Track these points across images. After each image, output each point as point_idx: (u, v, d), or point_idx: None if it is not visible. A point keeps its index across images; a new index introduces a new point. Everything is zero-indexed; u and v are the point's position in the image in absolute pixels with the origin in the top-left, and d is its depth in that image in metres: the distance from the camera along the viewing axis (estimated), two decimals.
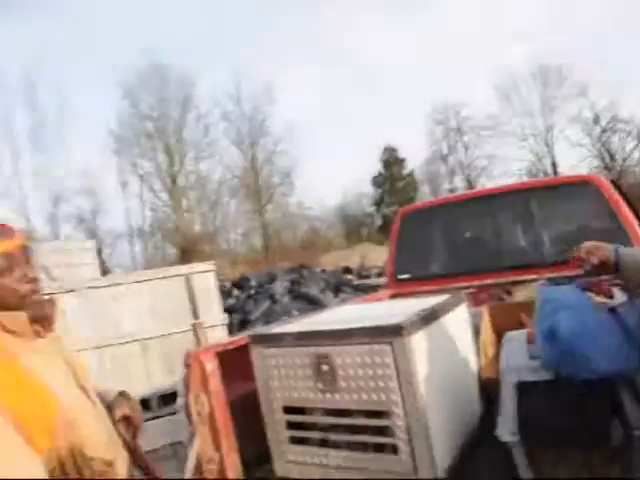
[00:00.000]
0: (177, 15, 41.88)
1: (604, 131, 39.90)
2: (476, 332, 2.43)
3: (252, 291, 11.86)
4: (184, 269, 4.07)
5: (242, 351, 2.21)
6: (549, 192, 3.28)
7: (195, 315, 3.90)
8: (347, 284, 12.17)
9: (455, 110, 42.85)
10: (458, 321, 2.24)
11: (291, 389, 2.02)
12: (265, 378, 2.08)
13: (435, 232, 3.69)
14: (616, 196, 2.92)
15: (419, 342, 1.81)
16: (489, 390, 2.17)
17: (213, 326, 3.00)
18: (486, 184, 41.89)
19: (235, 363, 2.24)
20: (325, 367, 1.93)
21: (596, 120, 39.42)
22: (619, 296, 1.94)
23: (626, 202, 2.99)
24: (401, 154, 34.44)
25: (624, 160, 40.38)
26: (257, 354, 2.11)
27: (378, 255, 22.37)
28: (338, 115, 50.40)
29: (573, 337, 1.67)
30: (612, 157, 40.52)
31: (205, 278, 4.03)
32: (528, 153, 42.28)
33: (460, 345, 2.20)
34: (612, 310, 1.76)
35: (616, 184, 3.20)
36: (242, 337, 2.35)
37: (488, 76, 53.19)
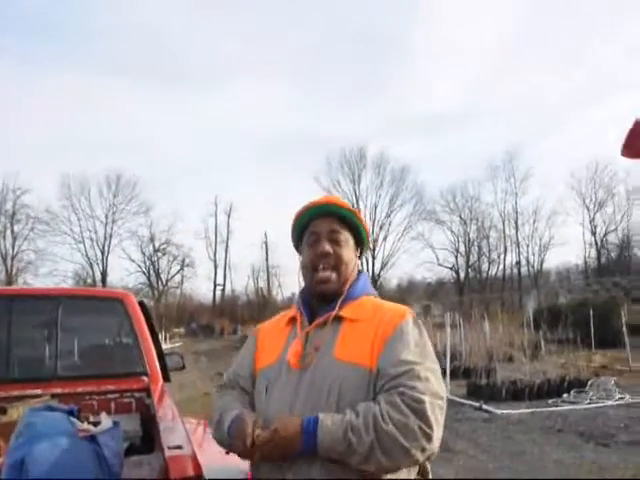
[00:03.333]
0: None
1: (156, 251, 44.11)
2: None
3: None
4: None
5: None
6: (79, 302, 3.18)
7: None
8: None
9: (15, 194, 38.94)
10: None
11: None
12: None
13: None
14: (139, 314, 3.10)
15: None
16: None
17: None
18: (30, 281, 38.64)
19: None
20: None
21: (152, 239, 43.50)
22: (105, 422, 1.97)
23: (147, 321, 3.17)
24: None
25: (167, 281, 45.38)
26: None
27: None
28: None
29: (42, 471, 1.60)
30: (158, 276, 44.89)
31: None
32: (81, 256, 42.27)
33: None
34: (92, 438, 1.77)
35: (142, 303, 3.36)
36: None
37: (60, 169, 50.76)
